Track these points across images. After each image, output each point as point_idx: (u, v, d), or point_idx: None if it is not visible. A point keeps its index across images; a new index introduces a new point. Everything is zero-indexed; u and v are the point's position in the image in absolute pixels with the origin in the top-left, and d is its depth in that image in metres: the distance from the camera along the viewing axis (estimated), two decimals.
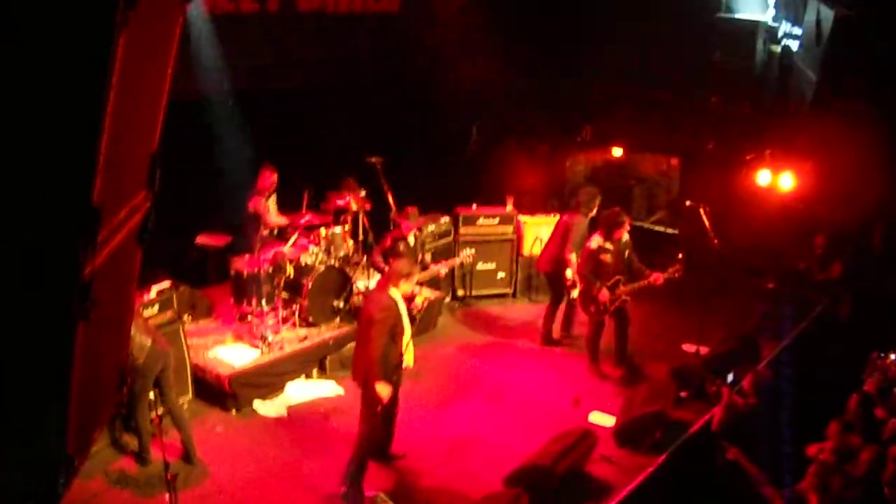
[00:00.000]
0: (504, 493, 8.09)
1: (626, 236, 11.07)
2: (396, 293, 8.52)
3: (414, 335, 11.90)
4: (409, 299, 9.33)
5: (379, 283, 9.00)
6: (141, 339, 8.50)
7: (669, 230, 13.83)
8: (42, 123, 2.70)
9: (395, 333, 8.44)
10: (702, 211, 11.84)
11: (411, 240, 11.26)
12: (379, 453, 9.16)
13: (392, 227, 11.99)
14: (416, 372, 11.26)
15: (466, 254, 11.62)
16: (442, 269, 11.37)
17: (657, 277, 11.12)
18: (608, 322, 11.33)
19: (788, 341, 12.28)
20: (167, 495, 7.11)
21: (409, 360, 8.65)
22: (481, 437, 9.95)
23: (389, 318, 8.38)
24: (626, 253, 11.14)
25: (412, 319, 9.05)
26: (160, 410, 9.10)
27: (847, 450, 8.26)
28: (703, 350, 11.76)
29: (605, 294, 10.93)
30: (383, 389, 8.32)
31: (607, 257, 10.91)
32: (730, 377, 9.93)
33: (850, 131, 12.76)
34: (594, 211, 11.82)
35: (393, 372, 8.46)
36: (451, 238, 13.74)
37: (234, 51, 12.84)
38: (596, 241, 10.97)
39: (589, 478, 9.15)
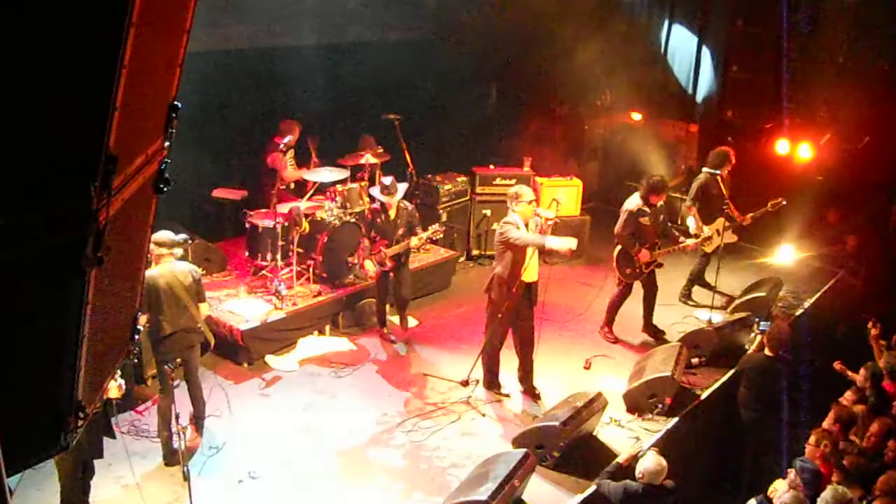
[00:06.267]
0: (512, 453, 8.11)
1: (661, 202, 11.07)
2: (513, 215, 9.49)
3: (427, 293, 12.01)
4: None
5: None
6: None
7: (686, 197, 13.79)
8: (57, 66, 2.67)
9: (514, 250, 9.39)
10: (719, 179, 11.80)
11: (392, 213, 10.75)
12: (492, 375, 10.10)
13: (371, 200, 11.73)
14: (429, 331, 11.34)
15: (434, 229, 10.99)
16: (414, 240, 10.82)
17: (689, 244, 11.26)
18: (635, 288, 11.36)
19: (802, 311, 12.28)
20: (178, 446, 7.15)
21: (528, 276, 9.51)
22: (491, 396, 9.96)
23: (502, 236, 9.45)
24: (661, 217, 11.15)
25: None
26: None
27: (849, 418, 8.29)
28: (716, 318, 11.77)
29: (645, 254, 10.98)
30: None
31: (646, 220, 10.91)
32: (763, 326, 9.99)
33: (872, 99, 12.68)
34: (723, 170, 11.89)
35: (513, 285, 9.42)
36: (467, 197, 13.74)
37: (257, 7, 12.75)
38: (636, 203, 10.97)
39: (597, 441, 9.18)
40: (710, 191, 11.93)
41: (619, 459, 7.96)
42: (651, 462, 7.34)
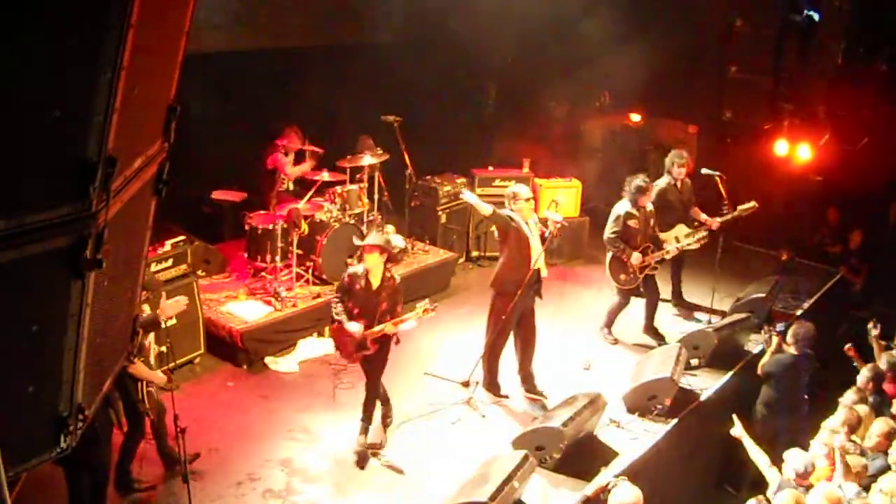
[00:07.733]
0: (512, 454, 8.10)
1: (649, 205, 11.03)
2: (509, 212, 9.48)
3: (426, 294, 11.96)
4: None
5: None
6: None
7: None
8: (57, 69, 2.67)
9: (513, 246, 9.46)
10: (718, 179, 11.77)
11: (375, 282, 8.56)
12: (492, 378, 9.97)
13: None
14: (428, 332, 11.32)
15: (423, 306, 8.65)
16: (388, 326, 8.48)
17: (669, 251, 11.22)
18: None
19: (803, 312, 12.27)
20: (178, 447, 7.14)
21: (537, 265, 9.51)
22: (491, 398, 9.94)
23: (499, 227, 9.69)
24: (651, 221, 11.12)
25: (544, 241, 9.59)
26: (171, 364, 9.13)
27: (857, 423, 8.30)
28: (715, 319, 11.76)
29: (636, 258, 10.90)
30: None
31: (634, 223, 10.88)
32: (780, 326, 9.99)
33: (869, 100, 12.68)
34: (676, 174, 11.77)
35: (514, 285, 9.38)
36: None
37: (255, 8, 12.74)
38: (623, 206, 10.95)
39: (597, 441, 9.17)
40: (667, 196, 11.78)
41: (587, 492, 7.82)
42: (626, 494, 7.05)
